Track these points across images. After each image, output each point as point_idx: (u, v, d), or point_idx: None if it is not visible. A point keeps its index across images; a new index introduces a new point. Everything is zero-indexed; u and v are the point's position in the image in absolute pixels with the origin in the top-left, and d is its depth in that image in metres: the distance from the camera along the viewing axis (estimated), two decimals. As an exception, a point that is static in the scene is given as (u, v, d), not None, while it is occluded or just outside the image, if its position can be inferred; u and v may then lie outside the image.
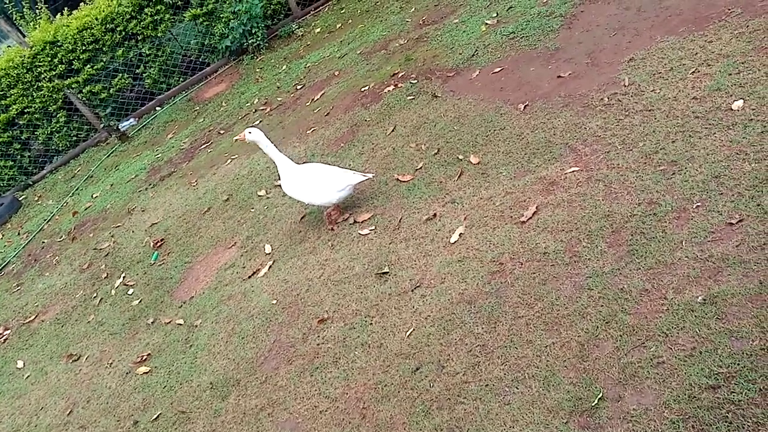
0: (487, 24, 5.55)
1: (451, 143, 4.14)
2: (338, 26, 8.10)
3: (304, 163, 4.34)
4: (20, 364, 4.57)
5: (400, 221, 3.66)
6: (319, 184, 3.76)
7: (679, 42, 3.74)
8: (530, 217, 3.07)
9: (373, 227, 3.75)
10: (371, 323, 3.05)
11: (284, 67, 7.75)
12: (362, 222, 3.87)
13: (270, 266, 3.97)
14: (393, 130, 4.70)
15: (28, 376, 4.36)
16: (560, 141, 3.54)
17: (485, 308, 2.72)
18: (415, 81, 5.27)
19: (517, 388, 2.31)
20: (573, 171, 3.24)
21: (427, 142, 4.32)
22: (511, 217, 3.17)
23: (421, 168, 4.05)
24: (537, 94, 4.14)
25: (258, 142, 3.91)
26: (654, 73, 3.64)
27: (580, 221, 2.88)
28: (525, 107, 4.05)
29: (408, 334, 2.85)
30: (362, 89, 5.74)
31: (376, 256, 3.49)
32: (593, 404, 2.12)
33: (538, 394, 2.25)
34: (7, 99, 8.42)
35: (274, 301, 3.59)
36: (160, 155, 7.25)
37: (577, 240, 2.79)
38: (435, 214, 3.53)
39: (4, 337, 5.10)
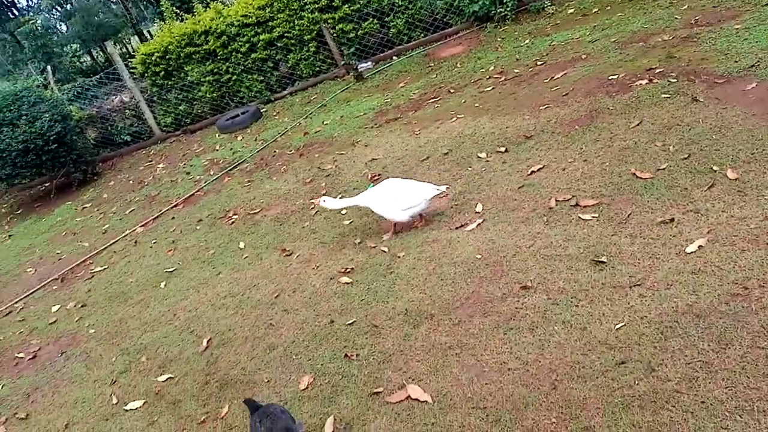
0: (778, 35, 4.90)
1: (705, 151, 3.79)
2: (594, 11, 7.75)
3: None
4: (242, 245, 5.26)
5: (629, 216, 3.47)
6: (395, 200, 4.06)
7: None
8: (794, 249, 2.72)
9: (597, 215, 3.61)
10: (577, 305, 2.98)
11: (527, 41, 7.65)
12: (585, 207, 3.75)
13: (479, 224, 4.04)
14: (638, 125, 4.43)
15: (246, 256, 5.00)
16: None
17: (717, 327, 2.50)
18: (675, 80, 4.88)
19: (740, 417, 2.11)
20: None
21: (676, 144, 4.00)
22: (767, 243, 2.84)
23: (664, 169, 3.77)
24: (829, 122, 3.60)
25: (333, 208, 4.42)
26: None
27: None
28: (809, 133, 3.55)
29: (617, 327, 2.74)
30: (609, 77, 5.46)
31: (594, 244, 3.37)
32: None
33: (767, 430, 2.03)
34: (274, 21, 9.47)
35: (479, 256, 3.66)
36: (389, 100, 7.66)
37: None
38: (672, 219, 3.28)
39: (232, 220, 5.90)
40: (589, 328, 2.80)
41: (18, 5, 29.08)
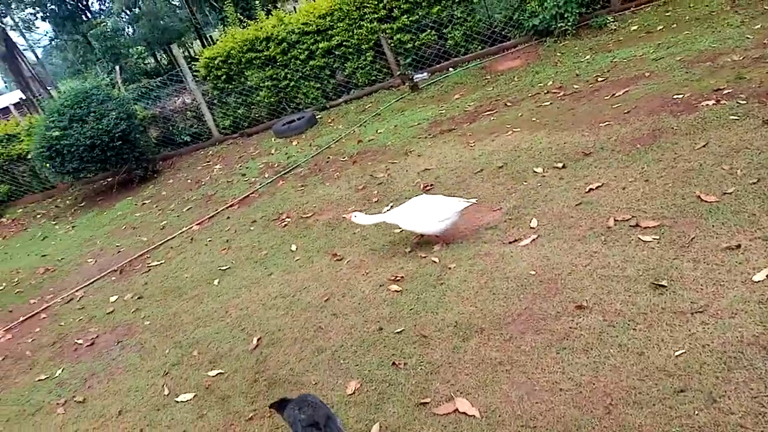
0: None
1: (776, 177, 3.64)
2: (659, 28, 7.55)
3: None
4: (293, 247, 5.35)
5: (692, 240, 3.36)
6: (427, 214, 4.15)
7: None
8: None
9: (658, 237, 3.51)
10: (634, 329, 2.90)
11: (587, 57, 7.52)
12: (645, 228, 3.65)
13: (533, 239, 3.99)
14: (704, 146, 4.29)
15: (298, 259, 5.09)
16: None
17: (786, 361, 2.39)
18: (744, 102, 4.71)
19: (811, 458, 2.01)
20: None
21: (744, 168, 3.85)
22: None
23: (731, 193, 3.64)
24: None
25: (363, 223, 4.57)
26: None
27: None
28: None
29: (677, 353, 2.65)
30: (674, 96, 5.31)
31: (654, 266, 3.28)
32: None
33: (839, 475, 1.93)
34: (334, 30, 9.63)
35: (533, 272, 3.61)
36: (443, 111, 7.67)
37: None
38: (739, 245, 3.16)
39: (285, 223, 6.01)
40: (647, 353, 2.73)
41: (91, 9, 30.60)
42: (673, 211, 3.70)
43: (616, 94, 5.90)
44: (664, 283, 3.11)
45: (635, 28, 7.91)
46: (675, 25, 7.42)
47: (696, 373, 2.52)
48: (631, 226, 3.72)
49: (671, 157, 4.33)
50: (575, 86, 6.64)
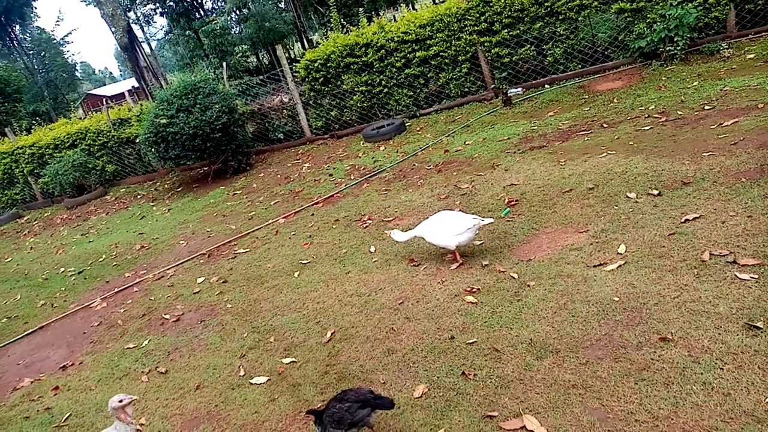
0: None
1: None
2: (779, 57, 7.08)
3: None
4: (372, 249, 5.46)
5: (796, 283, 3.14)
6: (444, 228, 4.41)
7: None
8: None
9: (756, 276, 3.30)
10: (722, 368, 2.75)
11: (695, 83, 7.17)
12: (743, 265, 3.44)
13: (620, 265, 3.85)
14: (819, 186, 3.99)
15: (376, 260, 5.18)
16: None
17: None
18: None
19: None
20: None
21: None
22: None
23: None
24: None
25: (400, 240, 4.75)
26: None
27: None
28: None
29: (768, 400, 2.49)
30: (790, 131, 4.97)
31: (750, 306, 3.09)
32: None
33: None
34: (432, 40, 9.74)
35: (616, 299, 3.50)
36: (535, 127, 7.56)
37: None
38: None
39: (366, 225, 6.14)
40: (734, 395, 2.58)
41: (204, 7, 32.58)
42: (778, 251, 3.47)
43: (724, 124, 5.59)
44: (759, 324, 2.93)
45: (752, 56, 7.45)
46: (798, 55, 6.94)
47: (789, 424, 2.35)
48: (728, 261, 3.52)
49: (780, 194, 4.06)
50: (679, 112, 6.35)
